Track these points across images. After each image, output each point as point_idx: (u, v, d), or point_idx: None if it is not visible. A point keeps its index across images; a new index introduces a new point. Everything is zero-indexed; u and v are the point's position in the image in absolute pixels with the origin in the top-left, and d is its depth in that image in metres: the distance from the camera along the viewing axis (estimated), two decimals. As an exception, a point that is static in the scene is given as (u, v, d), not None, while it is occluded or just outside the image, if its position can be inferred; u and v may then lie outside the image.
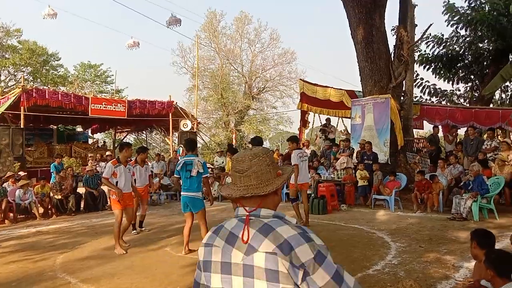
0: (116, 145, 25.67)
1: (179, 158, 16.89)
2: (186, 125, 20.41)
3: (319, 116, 16.92)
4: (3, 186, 11.05)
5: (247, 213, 1.52)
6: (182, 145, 18.92)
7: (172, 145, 22.14)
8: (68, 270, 5.82)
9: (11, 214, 10.75)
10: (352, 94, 14.61)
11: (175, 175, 6.52)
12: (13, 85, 31.13)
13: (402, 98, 12.61)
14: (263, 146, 7.85)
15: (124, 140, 26.31)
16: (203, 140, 24.60)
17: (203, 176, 6.30)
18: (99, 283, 5.19)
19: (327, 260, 1.41)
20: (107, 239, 7.59)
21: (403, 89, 12.78)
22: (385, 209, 10.21)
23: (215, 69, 36.45)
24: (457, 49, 18.64)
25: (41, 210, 11.32)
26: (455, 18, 17.18)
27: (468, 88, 19.81)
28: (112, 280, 5.31)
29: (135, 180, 7.83)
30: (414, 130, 15.85)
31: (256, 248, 1.42)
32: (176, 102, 21.23)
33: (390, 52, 12.22)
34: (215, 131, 35.98)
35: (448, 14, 17.24)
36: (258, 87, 37.63)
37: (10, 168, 12.96)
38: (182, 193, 6.39)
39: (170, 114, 20.59)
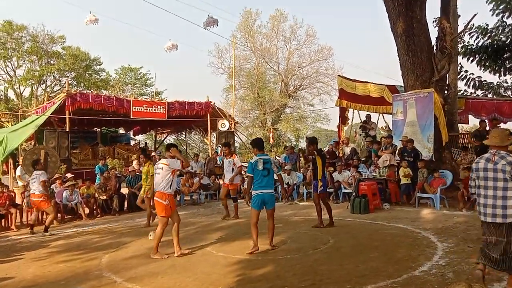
0: (157, 146, 26.21)
1: (217, 158, 17.16)
2: (224, 125, 20.54)
3: (358, 113, 16.58)
4: (51, 187, 11.48)
5: (493, 152, 4.26)
6: (220, 145, 19.04)
7: (211, 145, 22.35)
8: (113, 270, 5.96)
9: (59, 215, 11.17)
10: (393, 89, 14.21)
11: (249, 174, 6.63)
12: (58, 89, 32.43)
13: (446, 92, 12.15)
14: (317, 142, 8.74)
15: (165, 141, 26.78)
16: (240, 139, 24.69)
17: (278, 174, 7.06)
18: (143, 282, 5.27)
19: None
20: (150, 240, 7.71)
21: (447, 82, 12.30)
22: (430, 208, 9.87)
23: (251, 68, 36.55)
24: (503, 39, 17.72)
25: (86, 210, 11.72)
26: (500, 7, 16.41)
27: (516, 79, 18.83)
28: (156, 279, 5.39)
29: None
30: (459, 125, 15.21)
31: (498, 163, 4.18)
32: (214, 103, 21.41)
33: (432, 44, 11.79)
34: (252, 130, 36.01)
35: (493, 3, 16.50)
36: (295, 85, 37.40)
37: (57, 170, 13.48)
38: (257, 191, 6.43)
39: (208, 115, 20.77)
